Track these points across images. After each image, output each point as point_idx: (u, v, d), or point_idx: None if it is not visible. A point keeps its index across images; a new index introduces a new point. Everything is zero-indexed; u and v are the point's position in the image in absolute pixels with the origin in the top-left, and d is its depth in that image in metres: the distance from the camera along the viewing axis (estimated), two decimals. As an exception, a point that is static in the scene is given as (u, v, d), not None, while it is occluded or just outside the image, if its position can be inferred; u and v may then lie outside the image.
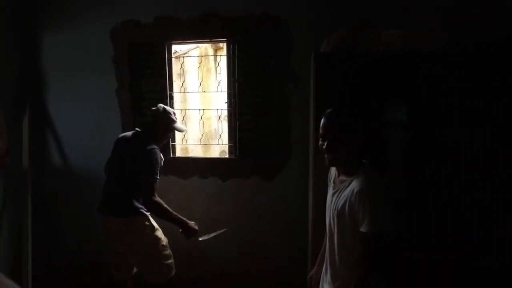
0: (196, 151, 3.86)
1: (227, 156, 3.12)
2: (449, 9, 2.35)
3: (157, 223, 2.39)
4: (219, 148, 4.02)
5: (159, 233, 2.38)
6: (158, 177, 2.30)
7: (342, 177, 1.47)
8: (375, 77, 1.99)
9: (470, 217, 1.88)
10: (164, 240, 2.39)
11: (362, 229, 1.32)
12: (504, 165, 1.82)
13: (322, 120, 1.47)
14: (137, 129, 2.49)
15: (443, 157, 1.90)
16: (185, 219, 2.35)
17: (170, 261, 2.40)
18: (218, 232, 2.50)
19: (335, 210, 1.43)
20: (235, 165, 2.91)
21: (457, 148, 1.87)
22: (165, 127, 2.49)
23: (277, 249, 2.83)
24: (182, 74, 3.68)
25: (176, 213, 2.33)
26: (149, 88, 2.98)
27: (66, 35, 3.02)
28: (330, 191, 1.54)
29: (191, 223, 2.37)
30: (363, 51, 2.08)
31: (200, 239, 2.41)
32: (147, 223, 2.32)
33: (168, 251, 2.40)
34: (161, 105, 2.54)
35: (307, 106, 2.50)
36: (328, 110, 1.49)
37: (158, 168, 2.30)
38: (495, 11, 2.28)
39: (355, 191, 1.34)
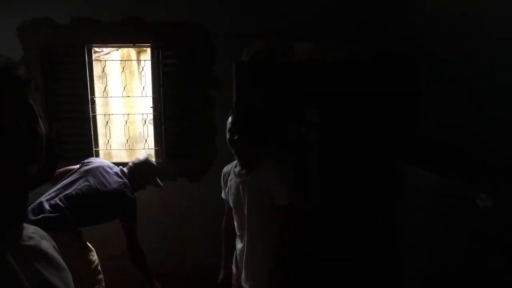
0: (120, 156, 3.77)
1: (153, 160, 3.13)
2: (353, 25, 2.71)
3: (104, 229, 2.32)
4: (144, 151, 3.98)
5: (91, 252, 2.25)
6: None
7: (244, 171, 1.71)
8: (289, 83, 2.23)
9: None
10: (95, 261, 2.25)
11: (279, 202, 1.61)
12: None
13: (230, 118, 1.70)
14: (121, 167, 2.42)
15: (346, 151, 2.21)
16: (153, 278, 2.37)
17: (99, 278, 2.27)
18: None
19: (250, 197, 1.65)
20: (162, 169, 2.94)
21: (357, 145, 2.20)
22: (145, 179, 2.49)
23: (205, 248, 2.93)
24: (104, 77, 3.57)
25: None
26: (67, 92, 2.87)
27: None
28: (233, 189, 1.74)
29: (157, 285, 2.38)
30: (277, 61, 2.30)
31: None
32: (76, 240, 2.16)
33: (99, 275, 2.26)
34: (146, 156, 2.54)
35: (231, 108, 2.65)
36: (234, 109, 1.73)
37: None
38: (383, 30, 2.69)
39: (269, 173, 1.63)
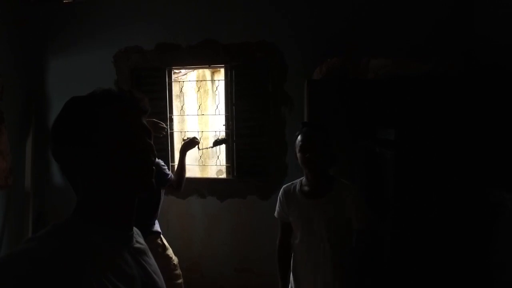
0: (193, 171, 3.95)
1: (223, 175, 3.22)
2: (431, 39, 2.53)
3: (167, 242, 2.44)
4: (215, 167, 4.13)
5: (170, 252, 2.40)
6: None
7: (316, 192, 1.64)
8: (364, 101, 2.14)
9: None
10: (175, 259, 2.40)
11: (357, 226, 1.57)
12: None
13: (300, 136, 1.66)
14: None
15: (427, 174, 2.03)
16: (183, 145, 2.49)
17: (180, 281, 2.40)
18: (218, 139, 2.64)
19: (324, 220, 1.60)
20: (232, 185, 3.02)
21: (440, 167, 2.01)
22: None
23: (273, 265, 2.89)
24: (181, 96, 3.82)
25: (179, 163, 2.45)
26: (151, 110, 3.10)
27: (71, 60, 3.17)
28: (301, 210, 1.67)
29: (186, 140, 2.50)
30: (352, 78, 2.24)
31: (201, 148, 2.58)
32: (159, 241, 2.34)
33: (178, 271, 2.41)
34: None
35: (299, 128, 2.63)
36: (304, 128, 1.69)
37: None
38: (468, 42, 2.46)
39: (347, 196, 1.60)
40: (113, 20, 3.06)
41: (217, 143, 2.72)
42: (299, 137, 1.66)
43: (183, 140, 2.56)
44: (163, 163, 2.35)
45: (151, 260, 0.78)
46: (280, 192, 1.81)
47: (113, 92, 0.72)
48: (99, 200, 0.68)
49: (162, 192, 2.36)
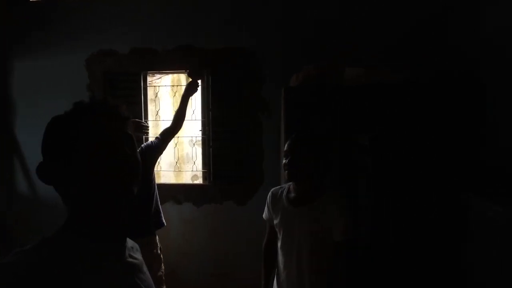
0: (168, 177, 3.89)
1: (198, 181, 3.20)
2: (404, 47, 2.65)
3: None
4: (190, 173, 4.09)
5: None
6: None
7: (300, 200, 1.63)
8: (340, 108, 2.20)
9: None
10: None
11: (337, 238, 1.53)
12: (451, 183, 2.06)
13: (288, 142, 1.65)
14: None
15: (401, 180, 2.11)
16: (185, 89, 2.53)
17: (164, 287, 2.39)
18: None
19: (305, 228, 1.58)
20: (209, 191, 3.00)
21: (412, 173, 2.09)
22: None
23: (249, 271, 2.90)
24: (155, 100, 3.76)
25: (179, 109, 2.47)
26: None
27: (40, 63, 3.05)
28: (285, 215, 1.67)
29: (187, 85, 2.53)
30: (329, 85, 2.29)
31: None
32: (158, 242, 2.33)
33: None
34: None
35: (279, 134, 2.67)
36: (293, 134, 1.68)
37: None
38: (441, 49, 2.60)
39: (330, 207, 1.56)
40: (86, 22, 2.98)
41: None
42: (287, 143, 1.66)
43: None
44: (144, 145, 2.34)
45: (146, 276, 0.76)
46: (269, 194, 1.81)
47: (90, 105, 0.72)
48: (86, 213, 0.67)
49: (154, 178, 2.33)
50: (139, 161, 0.72)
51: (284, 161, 1.63)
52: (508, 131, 1.95)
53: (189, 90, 2.51)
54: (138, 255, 0.78)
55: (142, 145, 2.36)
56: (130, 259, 0.73)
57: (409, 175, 2.05)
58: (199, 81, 2.56)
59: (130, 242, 0.77)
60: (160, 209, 2.39)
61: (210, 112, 2.99)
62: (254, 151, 2.91)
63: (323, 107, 2.22)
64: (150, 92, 3.28)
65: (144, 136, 2.56)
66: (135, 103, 3.01)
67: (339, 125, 2.20)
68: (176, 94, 4.07)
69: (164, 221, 2.38)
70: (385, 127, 2.14)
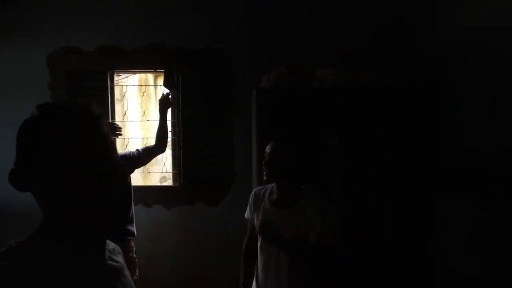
0: (135, 179, 3.79)
1: (167, 183, 3.14)
2: (372, 50, 2.75)
3: None
4: (159, 175, 4.00)
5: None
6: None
7: (282, 203, 1.63)
8: (311, 109, 2.25)
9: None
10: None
11: (316, 241, 1.52)
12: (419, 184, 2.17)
13: (267, 147, 1.65)
14: None
15: (369, 179, 2.19)
16: (160, 103, 2.41)
17: None
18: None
19: (285, 231, 1.57)
20: (179, 192, 2.96)
21: (380, 171, 2.18)
22: None
23: (222, 272, 2.89)
24: (122, 101, 3.65)
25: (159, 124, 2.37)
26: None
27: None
28: (266, 217, 1.65)
29: (161, 98, 2.42)
30: (300, 86, 2.34)
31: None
32: (133, 245, 2.27)
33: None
34: None
35: (250, 134, 2.68)
36: (273, 140, 1.66)
37: None
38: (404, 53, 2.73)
39: (312, 210, 1.55)
40: (48, 17, 2.83)
41: None
42: (267, 148, 1.65)
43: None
44: (121, 155, 2.27)
45: (127, 279, 0.74)
46: (251, 194, 1.80)
47: (62, 105, 0.69)
48: (63, 215, 0.65)
49: (130, 182, 2.28)
50: (117, 160, 0.70)
51: (265, 167, 1.63)
52: (467, 132, 2.08)
53: (165, 105, 2.43)
54: (120, 258, 0.76)
55: (119, 153, 2.28)
56: (110, 262, 0.71)
57: (378, 175, 2.13)
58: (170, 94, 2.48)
59: (111, 245, 0.75)
60: (134, 218, 2.32)
61: (181, 113, 2.94)
62: (225, 151, 2.90)
63: (294, 108, 2.26)
64: (117, 92, 3.18)
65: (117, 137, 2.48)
66: (102, 103, 2.90)
67: (310, 126, 2.25)
68: (145, 94, 3.97)
69: (134, 230, 2.31)
70: (354, 128, 2.21)
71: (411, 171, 2.09)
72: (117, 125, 2.39)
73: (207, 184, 2.93)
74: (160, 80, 4.01)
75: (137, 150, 2.31)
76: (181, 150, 2.96)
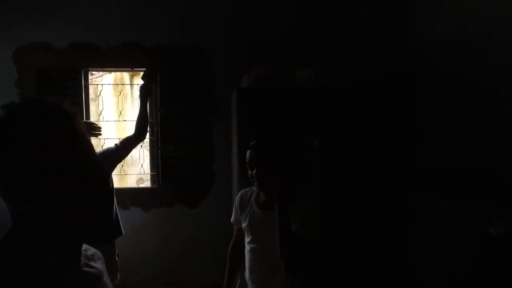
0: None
1: (144, 184, 3.06)
2: (352, 51, 2.78)
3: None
4: (135, 176, 3.89)
5: None
6: None
7: (273, 203, 1.60)
8: (291, 109, 2.25)
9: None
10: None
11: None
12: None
13: (248, 152, 1.62)
14: None
15: (349, 177, 2.21)
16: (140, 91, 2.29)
17: None
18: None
19: (273, 231, 1.55)
20: (158, 194, 2.88)
21: (359, 170, 2.21)
22: None
23: (203, 276, 2.85)
24: (97, 100, 3.53)
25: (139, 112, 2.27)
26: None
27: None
28: (254, 219, 1.65)
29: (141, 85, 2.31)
30: (280, 86, 2.33)
31: None
32: (116, 249, 2.19)
33: None
34: None
35: (230, 134, 2.65)
36: (252, 143, 1.64)
37: None
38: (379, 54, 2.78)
39: (301, 212, 1.52)
40: (13, 10, 2.67)
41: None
42: (247, 153, 1.62)
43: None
44: (100, 152, 2.19)
45: (106, 286, 0.70)
46: (237, 197, 1.77)
47: (33, 104, 0.65)
48: (33, 221, 0.60)
49: (112, 181, 2.18)
50: (95, 159, 0.67)
51: (250, 172, 1.59)
52: (442, 133, 2.14)
53: (145, 92, 2.36)
54: (99, 264, 0.71)
55: (98, 151, 2.21)
56: (86, 269, 0.66)
57: (355, 172, 2.15)
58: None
59: (90, 250, 0.71)
60: (119, 219, 2.24)
61: (159, 113, 2.87)
62: (204, 152, 2.85)
63: (274, 108, 2.25)
64: (91, 91, 3.07)
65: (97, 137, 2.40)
66: (75, 103, 2.79)
67: (290, 126, 2.24)
68: (121, 94, 3.86)
69: (122, 229, 2.24)
70: (336, 128, 2.23)
71: (389, 170, 2.13)
72: (96, 124, 2.29)
73: (186, 185, 2.87)
74: (136, 79, 3.92)
75: (115, 144, 2.23)
76: (159, 151, 2.89)
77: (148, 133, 2.92)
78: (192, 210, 2.86)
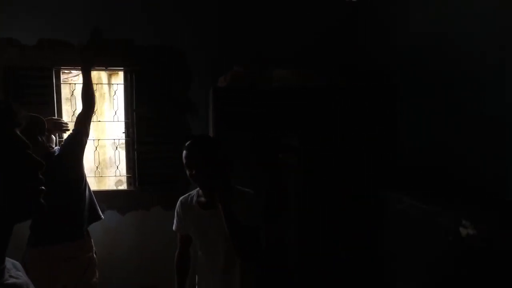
0: (89, 183, 3.57)
1: (123, 186, 2.99)
2: (325, 50, 2.76)
3: None
4: (114, 178, 3.80)
5: None
6: None
7: (211, 202, 1.58)
8: (268, 109, 2.22)
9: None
10: None
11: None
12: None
13: (184, 152, 1.58)
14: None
15: (326, 177, 2.20)
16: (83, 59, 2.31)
17: None
18: None
19: (220, 230, 1.52)
20: (134, 197, 2.82)
21: (336, 170, 2.19)
22: None
23: (180, 280, 2.79)
24: (72, 100, 3.42)
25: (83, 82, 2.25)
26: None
27: None
28: (199, 221, 1.62)
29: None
30: (257, 86, 2.30)
31: None
32: (93, 245, 2.15)
33: None
34: None
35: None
36: (188, 142, 1.60)
37: None
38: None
39: (242, 204, 1.53)
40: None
41: None
42: (183, 153, 1.58)
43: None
44: (63, 143, 2.19)
45: None
46: (177, 204, 1.74)
47: None
48: None
49: (83, 176, 2.14)
50: (34, 162, 0.63)
51: (188, 172, 1.57)
52: (418, 132, 2.14)
53: (88, 60, 2.32)
54: (21, 274, 0.67)
55: (61, 144, 2.20)
56: (11, 280, 0.63)
57: (332, 173, 2.14)
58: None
59: (9, 263, 0.67)
60: (96, 204, 2.21)
61: (135, 113, 2.80)
62: (181, 153, 2.79)
63: (251, 107, 2.21)
64: (65, 91, 2.98)
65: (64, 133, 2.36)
66: (46, 103, 2.69)
67: (267, 126, 2.22)
68: (97, 93, 3.76)
69: (100, 213, 2.22)
70: (313, 128, 2.21)
71: (366, 170, 2.12)
72: (62, 120, 2.30)
73: (163, 187, 2.81)
74: (114, 79, 3.82)
75: (73, 129, 2.19)
76: (135, 152, 2.82)
77: (124, 134, 2.86)
78: (170, 212, 2.79)
